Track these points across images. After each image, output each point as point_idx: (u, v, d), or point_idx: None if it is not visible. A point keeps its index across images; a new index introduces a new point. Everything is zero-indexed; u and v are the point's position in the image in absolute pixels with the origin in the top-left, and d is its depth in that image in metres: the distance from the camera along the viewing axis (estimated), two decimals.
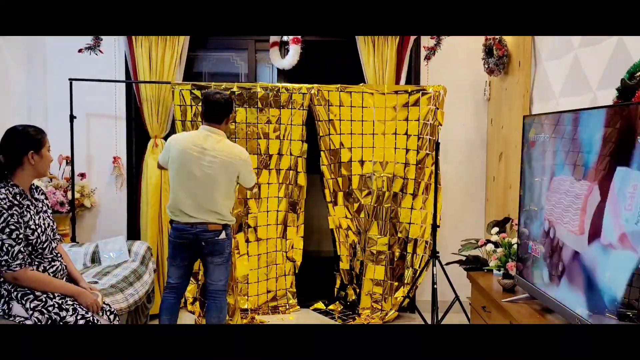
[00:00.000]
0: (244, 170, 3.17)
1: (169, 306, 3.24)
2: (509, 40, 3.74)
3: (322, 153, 4.11)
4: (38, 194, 2.56)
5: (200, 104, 3.65)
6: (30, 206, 2.43)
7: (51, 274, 2.48)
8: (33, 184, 2.55)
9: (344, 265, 4.27)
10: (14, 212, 2.32)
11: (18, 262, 2.32)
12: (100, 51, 4.16)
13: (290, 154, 4.09)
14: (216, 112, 3.12)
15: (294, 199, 4.17)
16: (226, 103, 3.14)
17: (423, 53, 4.25)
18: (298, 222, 4.22)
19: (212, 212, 3.10)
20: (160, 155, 3.30)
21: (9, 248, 2.29)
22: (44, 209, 2.56)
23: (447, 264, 3.72)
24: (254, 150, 4.07)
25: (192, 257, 3.27)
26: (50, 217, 2.59)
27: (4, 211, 2.29)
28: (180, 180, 3.09)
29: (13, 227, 2.31)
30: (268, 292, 4.26)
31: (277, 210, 4.16)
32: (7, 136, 2.45)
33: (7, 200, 2.32)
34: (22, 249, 2.34)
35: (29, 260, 2.41)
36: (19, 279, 2.35)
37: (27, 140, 2.43)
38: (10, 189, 2.37)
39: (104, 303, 2.65)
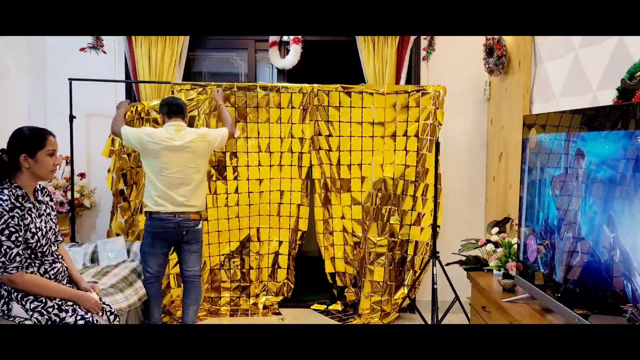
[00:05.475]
0: (211, 138, 3.47)
1: (157, 294, 3.50)
2: (508, 40, 3.74)
3: (318, 152, 4.11)
4: (43, 196, 2.54)
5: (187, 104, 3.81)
6: (32, 209, 2.42)
7: (52, 276, 2.48)
8: (39, 185, 2.54)
9: (339, 268, 4.26)
10: (15, 214, 2.31)
11: (15, 264, 2.31)
12: (103, 52, 4.17)
13: (291, 152, 4.10)
14: (180, 108, 3.43)
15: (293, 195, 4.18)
16: (185, 104, 3.53)
17: (423, 53, 4.25)
18: (300, 215, 4.22)
19: (193, 200, 3.36)
20: (130, 135, 3.38)
21: (7, 250, 2.28)
22: (47, 211, 2.54)
23: (447, 264, 3.72)
24: (254, 148, 4.08)
25: (170, 246, 3.48)
26: (53, 220, 2.57)
27: (5, 213, 2.28)
28: (161, 174, 3.29)
29: (13, 230, 2.29)
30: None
31: (279, 204, 4.19)
32: (10, 137, 2.45)
33: (9, 202, 2.31)
34: (20, 251, 2.32)
35: (29, 263, 2.41)
36: (15, 282, 2.34)
37: (21, 143, 2.39)
38: (14, 191, 2.36)
39: (104, 303, 2.64)
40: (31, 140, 2.40)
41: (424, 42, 4.24)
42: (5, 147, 2.44)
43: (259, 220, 4.22)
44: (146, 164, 3.36)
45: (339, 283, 4.29)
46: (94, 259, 3.67)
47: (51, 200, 2.62)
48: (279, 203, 4.19)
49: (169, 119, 3.38)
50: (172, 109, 3.39)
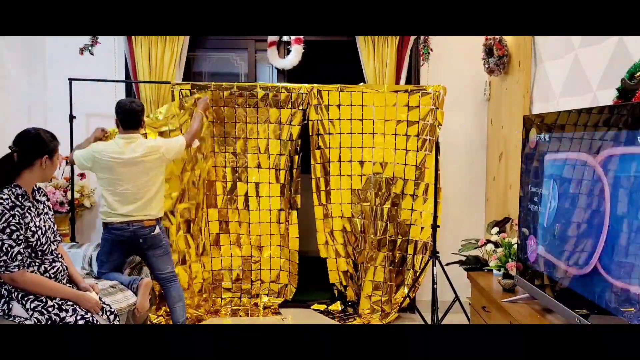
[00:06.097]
0: (164, 150, 3.39)
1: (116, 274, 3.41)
2: (509, 40, 3.74)
3: (316, 151, 4.11)
4: (40, 196, 2.56)
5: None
6: (32, 208, 2.43)
7: (52, 275, 2.48)
8: (35, 186, 2.55)
9: (341, 267, 4.26)
10: (16, 213, 2.32)
11: (16, 263, 2.32)
12: (92, 51, 4.15)
13: (290, 154, 4.10)
14: (135, 119, 3.32)
15: (290, 198, 4.18)
16: (142, 110, 3.39)
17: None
18: (292, 222, 4.22)
19: (147, 212, 3.34)
20: (80, 157, 3.32)
21: (9, 249, 2.29)
22: (45, 210, 2.55)
23: (447, 264, 3.72)
24: (254, 149, 4.08)
25: (129, 254, 3.49)
26: (51, 219, 2.58)
27: (6, 212, 2.29)
28: (114, 189, 3.27)
29: (14, 228, 2.30)
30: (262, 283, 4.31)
31: (280, 210, 4.19)
32: (23, 137, 2.46)
33: (9, 200, 2.31)
34: (21, 250, 2.33)
35: (29, 262, 2.41)
36: (17, 280, 2.35)
37: (45, 145, 2.47)
38: (13, 190, 2.37)
39: (104, 303, 2.65)
40: (52, 143, 2.51)
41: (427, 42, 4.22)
42: (7, 146, 2.45)
43: (259, 228, 4.21)
44: (99, 178, 3.33)
45: (343, 282, 4.29)
46: (92, 262, 3.66)
47: (48, 200, 2.64)
48: (279, 209, 4.18)
49: (123, 131, 3.31)
50: (126, 119, 3.29)
